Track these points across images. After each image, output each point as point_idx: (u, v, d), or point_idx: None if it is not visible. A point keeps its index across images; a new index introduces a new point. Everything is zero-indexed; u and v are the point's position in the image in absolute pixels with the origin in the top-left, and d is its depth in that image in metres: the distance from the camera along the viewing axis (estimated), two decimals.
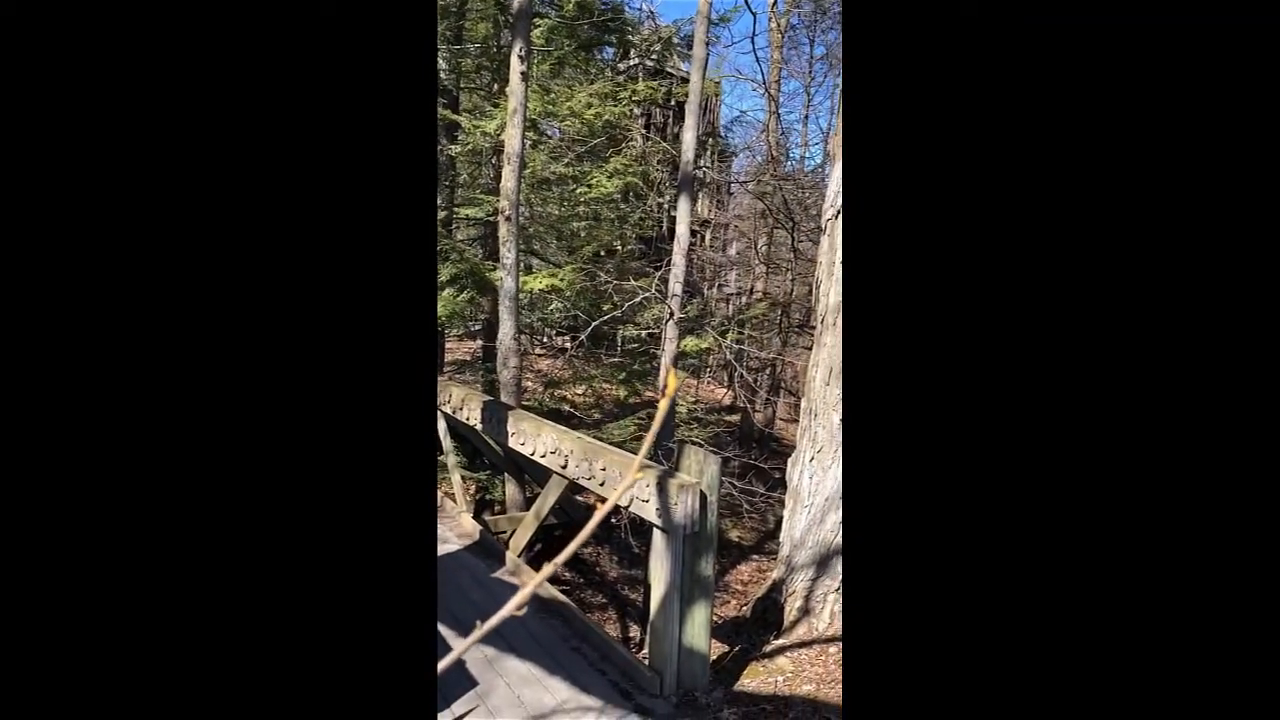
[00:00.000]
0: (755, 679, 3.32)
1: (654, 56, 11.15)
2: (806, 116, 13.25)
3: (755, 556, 7.19)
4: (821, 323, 3.95)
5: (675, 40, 10.68)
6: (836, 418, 3.82)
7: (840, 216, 3.84)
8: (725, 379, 12.80)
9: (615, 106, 7.81)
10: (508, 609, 0.43)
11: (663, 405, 0.37)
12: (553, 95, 7.70)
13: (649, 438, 0.40)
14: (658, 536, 3.01)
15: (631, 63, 11.33)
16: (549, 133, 8.75)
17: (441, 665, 0.49)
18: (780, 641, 3.65)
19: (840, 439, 3.79)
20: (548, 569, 0.43)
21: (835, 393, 3.84)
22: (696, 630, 3.04)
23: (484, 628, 0.43)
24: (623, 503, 3.15)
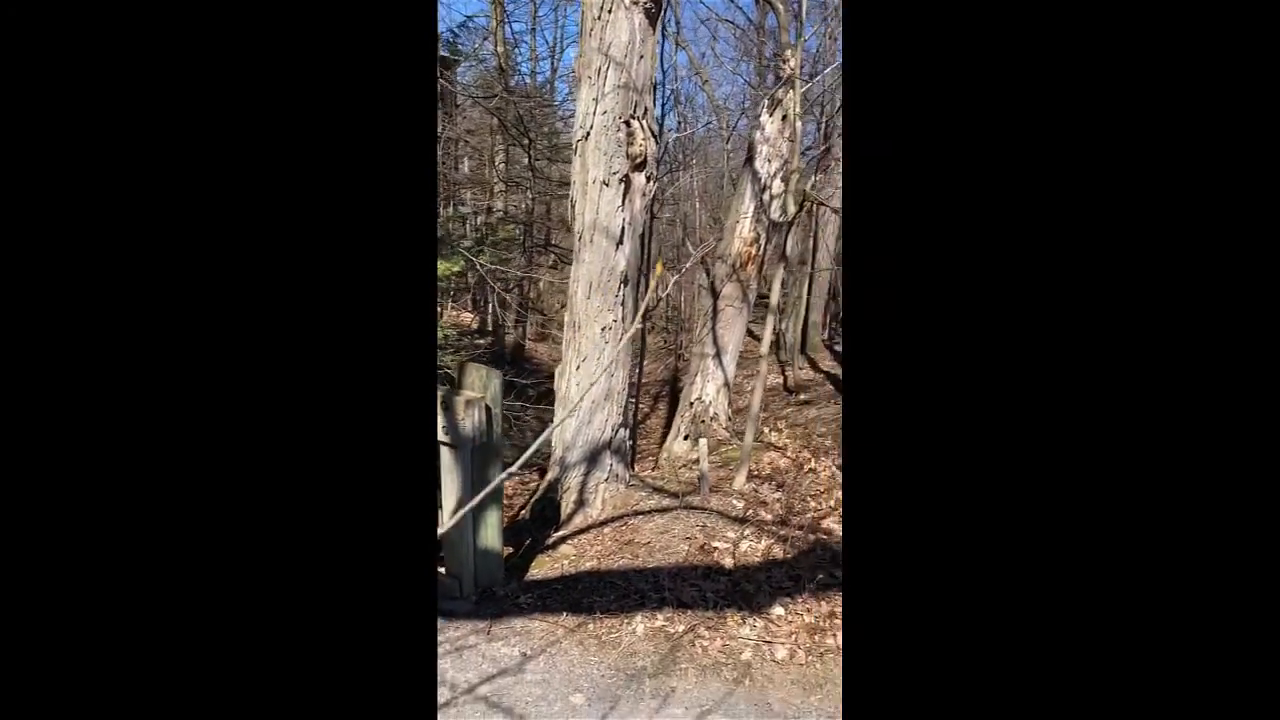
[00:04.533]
0: (543, 568, 3.66)
1: None
2: (534, 29, 12.99)
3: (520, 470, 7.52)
4: (579, 240, 4.20)
5: None
6: (598, 328, 4.17)
7: (590, 137, 4.06)
8: (470, 302, 12.60)
9: None
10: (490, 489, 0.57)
11: (653, 289, 0.52)
12: None
13: (641, 309, 0.56)
14: (446, 453, 3.10)
15: None
16: None
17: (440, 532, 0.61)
18: (561, 533, 4.04)
19: (603, 347, 4.17)
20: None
21: (596, 305, 4.17)
22: (490, 532, 3.25)
23: (472, 502, 0.54)
24: None
